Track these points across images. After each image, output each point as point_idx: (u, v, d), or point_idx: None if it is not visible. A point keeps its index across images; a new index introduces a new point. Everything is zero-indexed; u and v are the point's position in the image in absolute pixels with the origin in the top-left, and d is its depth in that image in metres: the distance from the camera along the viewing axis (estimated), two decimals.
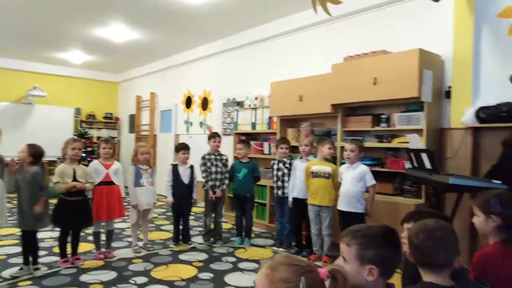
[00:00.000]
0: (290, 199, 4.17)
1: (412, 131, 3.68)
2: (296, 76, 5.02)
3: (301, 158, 4.19)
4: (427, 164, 3.04)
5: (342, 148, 4.06)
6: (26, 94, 8.59)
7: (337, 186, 3.82)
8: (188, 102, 7.86)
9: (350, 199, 3.53)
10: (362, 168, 3.58)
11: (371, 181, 3.54)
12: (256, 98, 5.86)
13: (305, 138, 4.20)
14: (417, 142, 3.44)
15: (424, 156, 3.09)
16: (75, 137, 5.57)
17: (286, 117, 5.15)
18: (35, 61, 8.73)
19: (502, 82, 3.45)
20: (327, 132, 4.67)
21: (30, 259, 3.45)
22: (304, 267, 0.99)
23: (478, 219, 1.87)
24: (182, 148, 4.50)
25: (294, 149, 4.68)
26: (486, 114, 3.37)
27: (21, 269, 3.43)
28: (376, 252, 1.26)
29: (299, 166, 4.13)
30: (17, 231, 3.50)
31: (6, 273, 3.40)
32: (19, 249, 3.60)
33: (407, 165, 3.64)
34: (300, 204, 4.04)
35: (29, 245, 3.44)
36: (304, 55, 5.37)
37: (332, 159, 4.27)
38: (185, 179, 4.40)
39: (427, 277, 1.39)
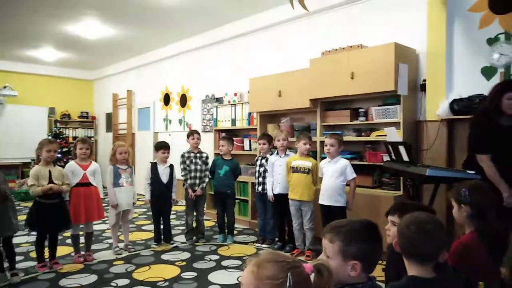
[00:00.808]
0: (270, 194, 4.17)
1: (389, 124, 3.74)
2: (274, 72, 5.02)
3: (278, 154, 4.20)
4: (405, 157, 3.11)
5: (322, 142, 4.10)
6: None
7: (317, 181, 3.86)
8: (166, 99, 7.75)
9: (331, 193, 3.57)
10: (342, 162, 3.62)
11: (351, 174, 3.59)
12: (235, 94, 5.84)
13: (281, 134, 4.21)
14: (394, 135, 3.50)
15: (401, 148, 3.15)
16: (50, 138, 5.41)
17: (265, 112, 5.15)
18: (4, 59, 8.40)
19: (474, 75, 3.56)
20: (306, 127, 4.70)
21: (6, 265, 3.34)
22: (290, 262, 1.00)
23: (454, 209, 1.94)
24: (161, 147, 4.43)
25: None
26: (459, 106, 3.46)
27: None
28: (359, 247, 1.27)
29: (278, 161, 4.14)
30: None
31: None
32: None
33: (386, 158, 3.71)
34: (282, 199, 4.06)
35: (5, 251, 3.33)
36: (282, 50, 5.37)
37: (313, 154, 4.31)
38: (164, 178, 4.34)
39: (411, 268, 1.43)
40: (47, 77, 9.23)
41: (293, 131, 4.78)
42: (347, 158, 3.80)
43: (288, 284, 0.94)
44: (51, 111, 9.15)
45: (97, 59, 8.65)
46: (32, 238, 3.77)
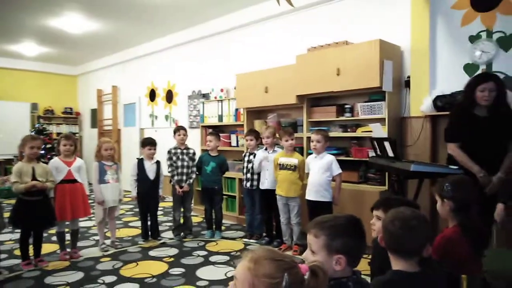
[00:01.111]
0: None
1: (375, 120, 3.80)
2: (261, 68, 5.02)
3: (266, 149, 4.21)
4: (390, 152, 3.16)
5: (309, 138, 4.13)
6: None
7: (304, 176, 3.89)
8: (152, 95, 7.68)
9: (318, 188, 3.62)
10: (328, 158, 3.66)
11: (337, 170, 3.64)
12: (221, 90, 5.82)
13: (266, 130, 4.23)
14: (379, 131, 3.56)
15: (386, 144, 3.20)
16: (33, 134, 5.31)
17: (252, 108, 5.15)
18: None
19: (457, 72, 3.63)
20: (293, 123, 4.73)
21: None
22: (287, 262, 0.99)
23: (437, 204, 1.99)
24: (147, 143, 4.40)
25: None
26: (442, 102, 3.54)
27: None
28: (343, 241, 1.30)
29: (267, 157, 4.16)
30: None
31: None
32: None
33: (371, 153, 3.77)
34: (270, 194, 4.08)
35: None
36: (269, 46, 5.38)
37: (299, 150, 4.35)
38: (151, 174, 4.32)
39: (396, 262, 1.46)
40: (29, 72, 9.03)
41: (280, 127, 4.80)
42: (333, 154, 3.85)
43: (284, 284, 0.94)
44: (34, 106, 8.96)
45: (81, 54, 8.50)
46: (16, 235, 3.71)
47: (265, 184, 4.16)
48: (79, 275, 3.35)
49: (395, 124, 3.90)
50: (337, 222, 1.35)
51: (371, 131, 3.72)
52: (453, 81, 3.62)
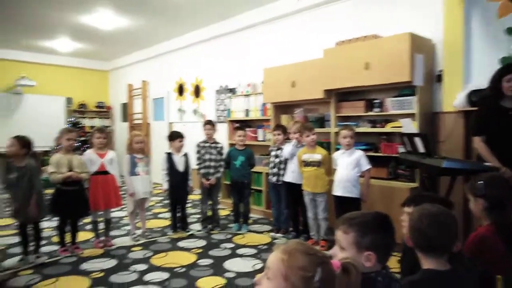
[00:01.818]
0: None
1: (404, 116, 3.73)
2: (288, 62, 5.02)
3: (295, 145, 4.22)
4: (421, 148, 3.10)
5: (337, 134, 4.11)
6: (15, 83, 8.44)
7: (330, 171, 3.88)
8: (180, 90, 7.81)
9: (346, 184, 3.60)
10: (357, 153, 3.64)
11: (366, 165, 3.61)
12: (248, 85, 5.86)
13: (293, 126, 4.23)
14: (410, 126, 3.49)
15: (417, 140, 3.14)
16: (70, 127, 5.53)
17: (279, 103, 5.16)
18: (22, 50, 8.55)
19: (492, 65, 3.49)
20: (320, 118, 4.71)
21: (30, 248, 3.49)
22: (321, 257, 1.00)
23: (470, 202, 1.95)
24: (176, 136, 4.51)
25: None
26: (477, 97, 3.42)
27: (21, 259, 3.46)
28: (373, 238, 1.30)
29: (293, 151, 4.17)
30: (15, 221, 3.51)
31: (6, 264, 3.42)
32: (18, 239, 3.61)
33: (401, 149, 3.70)
34: (296, 189, 4.10)
35: (34, 234, 3.50)
36: (296, 40, 5.35)
37: (327, 145, 4.33)
38: (180, 167, 4.42)
39: (426, 261, 1.44)
40: (64, 68, 9.38)
41: (307, 122, 4.79)
42: (362, 149, 3.81)
43: (317, 278, 0.95)
44: (68, 101, 9.31)
45: (112, 50, 8.74)
46: (54, 223, 3.90)
47: (289, 177, 4.17)
48: (112, 262, 3.50)
49: (426, 119, 3.81)
50: (366, 218, 1.35)
51: (401, 127, 3.66)
52: (488, 75, 3.49)
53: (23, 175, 3.36)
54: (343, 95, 4.48)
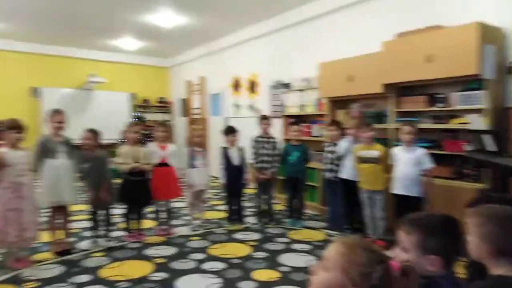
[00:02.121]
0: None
1: (471, 111, 3.50)
2: (345, 56, 4.91)
3: (351, 141, 4.15)
4: (491, 146, 2.91)
5: (396, 130, 3.97)
6: (87, 80, 9.15)
7: (388, 169, 3.76)
8: (236, 85, 7.97)
9: (407, 182, 3.47)
10: (419, 151, 3.49)
11: (429, 164, 3.45)
12: (303, 80, 5.82)
13: (350, 121, 4.15)
14: (478, 122, 3.28)
15: (486, 137, 2.94)
16: (136, 120, 5.90)
17: (335, 98, 5.08)
18: (93, 49, 9.24)
19: None
20: (378, 113, 4.56)
21: (101, 233, 3.80)
22: (381, 255, 1.00)
23: None
24: (230, 131, 4.63)
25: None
26: None
27: (93, 242, 3.78)
28: (438, 242, 1.25)
29: (350, 147, 4.10)
30: (88, 207, 3.84)
31: (81, 245, 3.77)
32: (90, 224, 3.95)
33: (467, 147, 3.48)
34: (352, 186, 4.03)
35: (106, 220, 3.81)
36: (354, 33, 5.21)
37: (385, 142, 4.20)
38: (236, 161, 4.54)
39: (496, 266, 1.35)
40: (129, 65, 9.97)
41: (364, 117, 4.67)
42: (424, 147, 3.64)
43: (376, 275, 0.95)
44: (133, 96, 9.91)
45: (172, 47, 9.13)
46: (121, 211, 4.21)
47: (345, 174, 4.11)
48: (172, 250, 3.70)
49: (496, 115, 3.54)
50: (432, 220, 1.30)
51: (467, 123, 3.45)
52: None
53: (95, 165, 3.67)
54: (403, 90, 4.30)
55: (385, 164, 3.79)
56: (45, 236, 3.62)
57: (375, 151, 3.80)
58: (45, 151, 3.45)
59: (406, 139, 3.52)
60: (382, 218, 3.78)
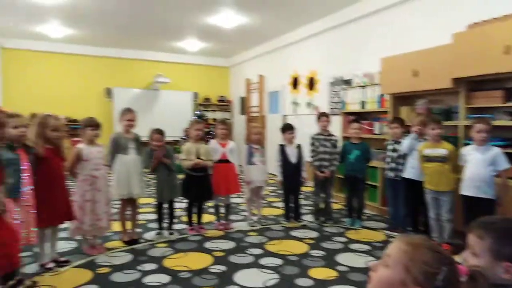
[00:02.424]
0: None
1: None
2: (409, 50, 4.66)
3: (415, 138, 3.95)
4: None
5: (467, 127, 3.70)
6: (153, 81, 9.70)
7: (457, 168, 3.52)
8: (295, 83, 7.95)
9: (478, 183, 3.22)
10: (494, 150, 3.22)
11: (505, 164, 3.18)
12: (365, 76, 5.64)
13: (416, 119, 3.94)
14: None
15: None
16: (198, 119, 6.15)
17: (398, 94, 4.85)
18: (159, 51, 9.78)
19: None
20: (446, 110, 4.29)
21: (164, 225, 4.03)
22: (448, 257, 0.96)
23: None
24: (287, 128, 4.63)
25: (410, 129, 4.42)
26: None
27: (158, 233, 4.02)
28: None
29: (415, 145, 3.91)
30: (152, 200, 4.08)
31: (147, 236, 4.02)
32: (155, 216, 4.19)
33: None
34: (416, 186, 3.83)
35: (168, 213, 4.04)
36: (418, 26, 4.93)
37: (454, 140, 3.93)
38: (293, 158, 4.53)
39: None
40: (191, 65, 10.41)
41: (431, 114, 4.41)
42: (499, 145, 3.36)
43: (441, 277, 0.92)
44: (195, 95, 10.32)
45: (232, 47, 9.36)
46: (183, 205, 4.41)
47: (409, 173, 3.92)
48: (231, 244, 3.81)
49: None
50: (508, 224, 1.20)
51: None
52: None
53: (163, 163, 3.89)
54: (475, 84, 3.99)
55: (453, 164, 3.56)
56: (116, 226, 3.92)
57: (442, 150, 3.58)
58: (117, 147, 3.72)
59: (478, 138, 3.26)
60: (448, 221, 3.55)
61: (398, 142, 4.16)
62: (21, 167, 2.69)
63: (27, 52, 8.82)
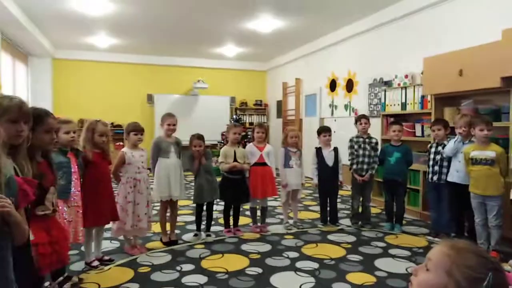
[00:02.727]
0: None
1: None
2: (454, 48, 4.46)
3: (459, 140, 3.77)
4: None
5: None
6: (192, 86, 9.95)
7: (506, 172, 3.32)
8: (333, 85, 7.84)
9: None
10: None
11: None
12: (406, 76, 5.47)
13: (460, 120, 3.75)
14: None
15: None
16: (236, 123, 6.24)
17: (442, 95, 4.65)
18: (198, 57, 10.02)
19: None
20: (495, 110, 4.05)
21: (203, 227, 4.10)
22: (494, 263, 0.93)
23: None
24: (323, 130, 4.58)
25: (453, 131, 4.22)
26: None
27: (195, 235, 4.10)
28: None
29: (461, 149, 3.73)
30: (190, 202, 4.17)
31: (185, 237, 4.12)
32: (193, 218, 4.29)
33: None
34: (461, 190, 3.65)
35: (206, 214, 4.11)
36: (464, 23, 4.71)
37: (504, 142, 3.71)
38: (330, 161, 4.47)
39: None
40: (229, 70, 10.57)
41: (477, 115, 4.19)
42: None
43: (486, 282, 0.88)
44: (232, 100, 10.46)
45: (269, 51, 9.40)
46: (220, 207, 4.48)
47: (454, 177, 3.75)
48: (267, 247, 3.81)
49: None
50: None
51: None
52: None
53: (203, 165, 3.98)
54: None
55: (502, 167, 3.37)
56: (156, 227, 4.05)
57: (490, 152, 3.39)
58: (158, 151, 3.86)
59: None
60: (496, 227, 3.35)
61: (441, 145, 3.99)
62: (71, 170, 2.86)
63: (76, 62, 9.37)
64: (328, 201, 4.57)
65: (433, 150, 4.08)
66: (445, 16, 5.01)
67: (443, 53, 4.58)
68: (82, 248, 3.40)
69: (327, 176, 4.46)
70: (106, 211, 3.27)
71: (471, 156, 3.50)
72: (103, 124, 3.29)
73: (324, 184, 4.48)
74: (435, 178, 4.01)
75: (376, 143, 4.51)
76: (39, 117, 1.99)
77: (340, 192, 4.78)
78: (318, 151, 4.55)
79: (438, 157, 3.99)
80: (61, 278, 2.78)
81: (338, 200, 4.92)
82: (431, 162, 4.07)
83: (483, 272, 0.89)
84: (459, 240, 0.99)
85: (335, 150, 4.51)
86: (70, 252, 3.22)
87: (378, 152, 4.52)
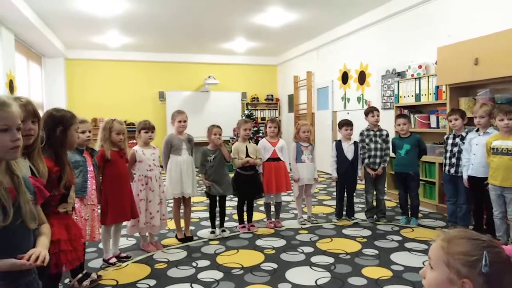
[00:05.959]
0: (464, 177, 3.74)
1: None
2: (469, 37, 4.36)
3: (477, 131, 3.69)
4: None
5: None
6: (203, 83, 9.97)
7: None
8: (345, 78, 7.76)
9: None
10: None
11: None
12: (419, 67, 5.37)
13: (480, 109, 3.66)
14: None
15: None
16: (246, 118, 6.22)
17: (457, 85, 4.55)
18: (208, 53, 10.02)
19: None
20: None
21: (217, 223, 4.12)
22: (486, 241, 0.94)
23: None
24: (344, 124, 4.54)
25: (470, 121, 4.13)
26: None
27: (212, 232, 4.11)
28: None
29: (475, 140, 3.66)
30: (204, 199, 4.18)
31: (200, 233, 4.14)
32: (207, 214, 4.30)
33: None
34: (479, 182, 3.58)
35: (220, 210, 4.10)
36: (480, 10, 4.59)
37: None
38: (349, 155, 4.43)
39: None
40: (239, 66, 10.54)
41: (495, 104, 4.09)
42: None
43: (483, 262, 0.89)
44: (243, 95, 10.45)
45: (280, 45, 9.34)
46: (234, 203, 4.48)
47: (470, 170, 3.68)
48: (281, 242, 3.81)
49: None
50: None
51: None
52: None
53: (216, 159, 3.98)
54: None
55: None
56: (171, 224, 4.08)
57: None
58: (170, 148, 3.88)
59: None
60: None
61: (458, 136, 3.91)
62: (87, 169, 2.90)
63: (88, 61, 9.48)
64: (346, 194, 4.53)
65: (450, 141, 4.00)
66: (460, 3, 4.89)
67: (457, 42, 4.48)
68: (100, 246, 3.45)
69: (346, 169, 4.42)
70: (126, 209, 3.30)
71: (492, 145, 3.41)
72: (119, 122, 3.33)
73: (343, 178, 4.45)
74: (452, 170, 3.94)
75: (387, 135, 4.45)
76: (72, 118, 2.17)
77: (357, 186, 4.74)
78: (338, 144, 4.51)
79: (455, 149, 3.92)
80: (80, 275, 2.84)
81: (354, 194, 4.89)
82: (448, 154, 4.00)
83: (478, 254, 0.90)
84: (452, 230, 1.00)
85: (355, 144, 4.47)
86: (88, 250, 3.29)
87: (390, 144, 4.46)
